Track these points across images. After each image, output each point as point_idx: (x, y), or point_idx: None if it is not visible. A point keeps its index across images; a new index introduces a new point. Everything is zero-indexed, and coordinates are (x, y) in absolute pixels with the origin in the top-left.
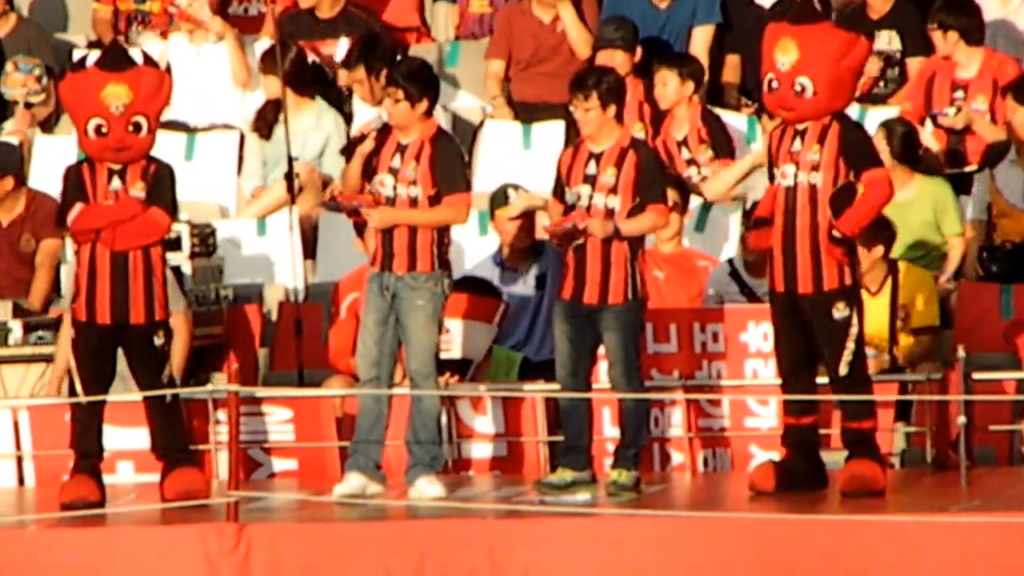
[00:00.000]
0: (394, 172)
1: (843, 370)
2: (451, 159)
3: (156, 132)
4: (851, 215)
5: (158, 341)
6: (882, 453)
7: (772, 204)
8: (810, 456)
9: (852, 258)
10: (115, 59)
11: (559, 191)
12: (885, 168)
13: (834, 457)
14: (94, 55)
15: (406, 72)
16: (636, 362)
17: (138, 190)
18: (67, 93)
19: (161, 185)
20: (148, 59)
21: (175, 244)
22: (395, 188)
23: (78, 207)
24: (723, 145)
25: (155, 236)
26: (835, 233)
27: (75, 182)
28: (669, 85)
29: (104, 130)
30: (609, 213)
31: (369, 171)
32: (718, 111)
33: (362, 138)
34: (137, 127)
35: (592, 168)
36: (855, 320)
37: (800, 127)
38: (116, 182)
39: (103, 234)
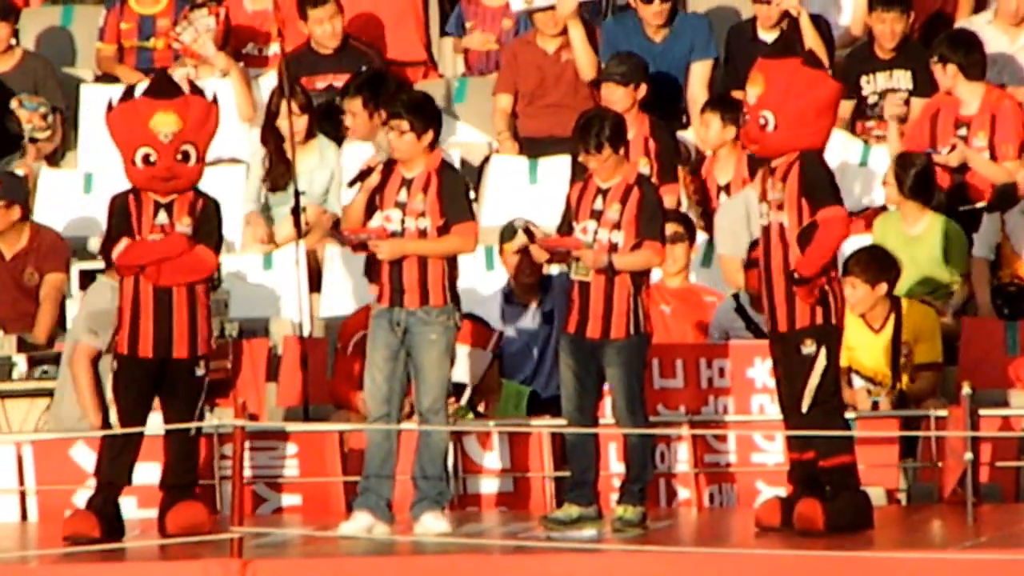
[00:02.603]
0: (401, 206)
1: (804, 406)
2: (458, 189)
3: (204, 162)
4: (808, 256)
5: (199, 372)
6: (826, 489)
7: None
8: (816, 491)
9: (823, 297)
10: (163, 87)
11: (565, 226)
12: (841, 207)
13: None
14: (142, 85)
15: (410, 104)
16: (640, 397)
17: (184, 225)
18: (115, 123)
19: (208, 222)
20: (195, 88)
21: None
22: (403, 222)
23: (124, 242)
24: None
25: (201, 275)
26: (795, 275)
27: (122, 213)
28: (712, 128)
29: (152, 159)
30: (613, 248)
31: (371, 208)
32: None
33: (369, 171)
34: (186, 156)
35: (599, 204)
36: (822, 357)
37: (773, 165)
38: (163, 215)
39: (148, 269)
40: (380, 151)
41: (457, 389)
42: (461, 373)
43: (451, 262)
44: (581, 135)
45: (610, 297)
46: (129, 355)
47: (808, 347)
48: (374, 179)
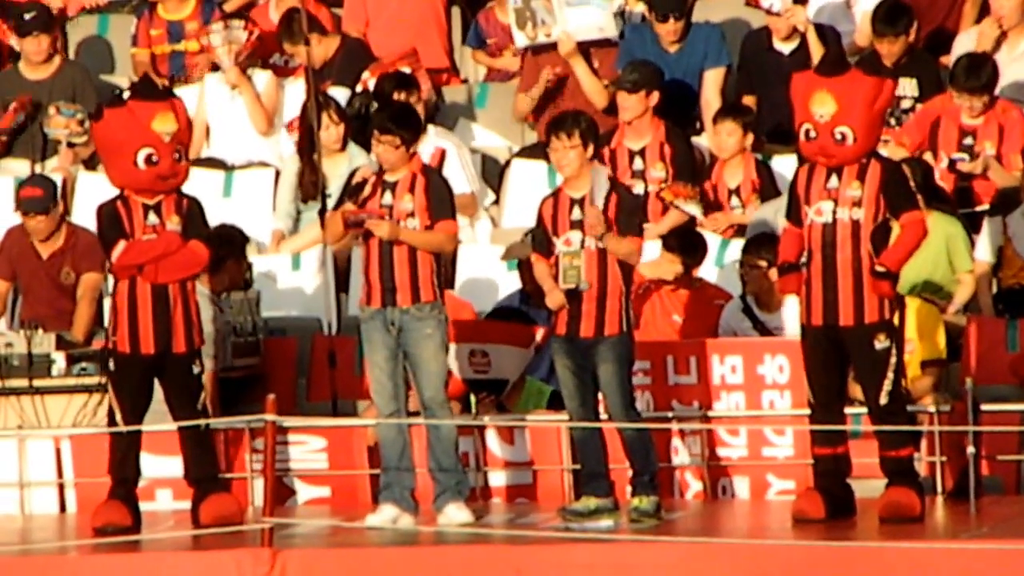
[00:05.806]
0: (388, 209)
1: (883, 400)
2: (443, 189)
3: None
4: (894, 251)
5: (196, 369)
6: (920, 480)
7: (798, 245)
8: (842, 484)
9: (895, 292)
10: (153, 90)
11: (544, 244)
12: (920, 210)
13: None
14: (126, 93)
15: (396, 118)
16: (631, 392)
17: (174, 224)
18: (110, 129)
19: (195, 218)
20: (171, 91)
21: None
22: None
23: (121, 244)
24: (772, 194)
25: (197, 268)
26: (879, 268)
27: (112, 220)
28: (734, 136)
29: (155, 159)
30: (600, 252)
31: None
32: None
33: (364, 183)
34: (180, 155)
35: (576, 214)
36: (894, 351)
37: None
38: (152, 217)
39: (146, 268)
40: (373, 163)
41: (498, 386)
42: (502, 371)
43: (436, 258)
44: (556, 123)
45: (603, 297)
46: (131, 353)
47: (882, 342)
48: (367, 191)
